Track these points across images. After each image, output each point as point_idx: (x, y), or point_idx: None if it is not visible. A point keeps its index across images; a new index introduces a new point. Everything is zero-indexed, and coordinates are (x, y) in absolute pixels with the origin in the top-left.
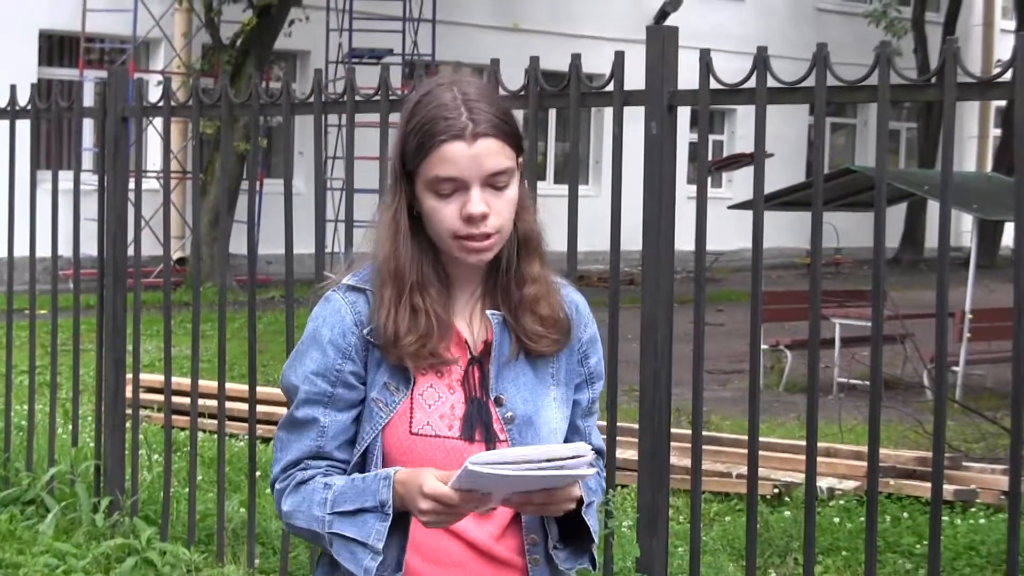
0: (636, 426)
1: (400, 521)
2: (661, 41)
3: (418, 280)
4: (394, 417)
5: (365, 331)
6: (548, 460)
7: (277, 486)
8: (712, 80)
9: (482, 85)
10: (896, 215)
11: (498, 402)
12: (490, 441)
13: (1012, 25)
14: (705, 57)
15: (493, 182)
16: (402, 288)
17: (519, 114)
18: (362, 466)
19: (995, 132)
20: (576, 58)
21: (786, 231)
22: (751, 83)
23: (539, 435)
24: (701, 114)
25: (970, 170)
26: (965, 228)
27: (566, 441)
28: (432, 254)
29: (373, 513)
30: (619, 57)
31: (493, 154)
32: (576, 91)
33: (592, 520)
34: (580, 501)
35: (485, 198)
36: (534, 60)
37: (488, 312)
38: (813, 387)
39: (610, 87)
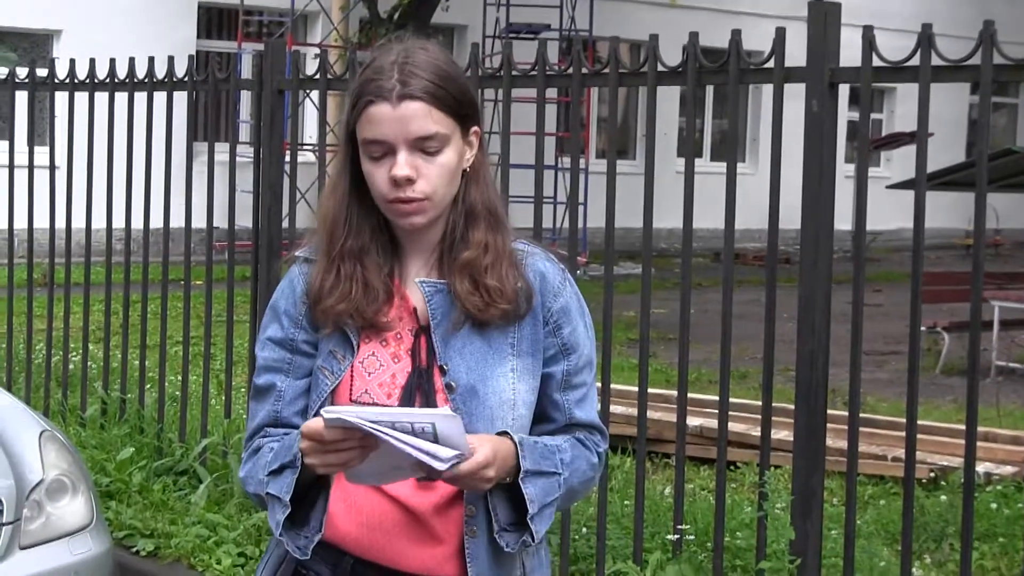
0: (790, 406)
1: (325, 484)
2: (823, 18)
3: (354, 245)
4: (339, 385)
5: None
6: (410, 421)
7: (243, 455)
8: (875, 58)
9: (434, 52)
10: None
11: (442, 371)
12: None
13: None
14: (868, 34)
15: (422, 146)
16: (332, 248)
17: (675, 91)
18: None
19: None
20: (736, 34)
21: (945, 211)
22: (914, 61)
23: (485, 405)
24: (863, 92)
25: None
26: None
27: (542, 415)
28: (377, 219)
29: (290, 468)
30: (780, 33)
31: (419, 117)
32: (735, 68)
33: (531, 488)
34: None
35: (413, 162)
36: (693, 36)
37: (417, 280)
38: (974, 370)
39: (770, 64)
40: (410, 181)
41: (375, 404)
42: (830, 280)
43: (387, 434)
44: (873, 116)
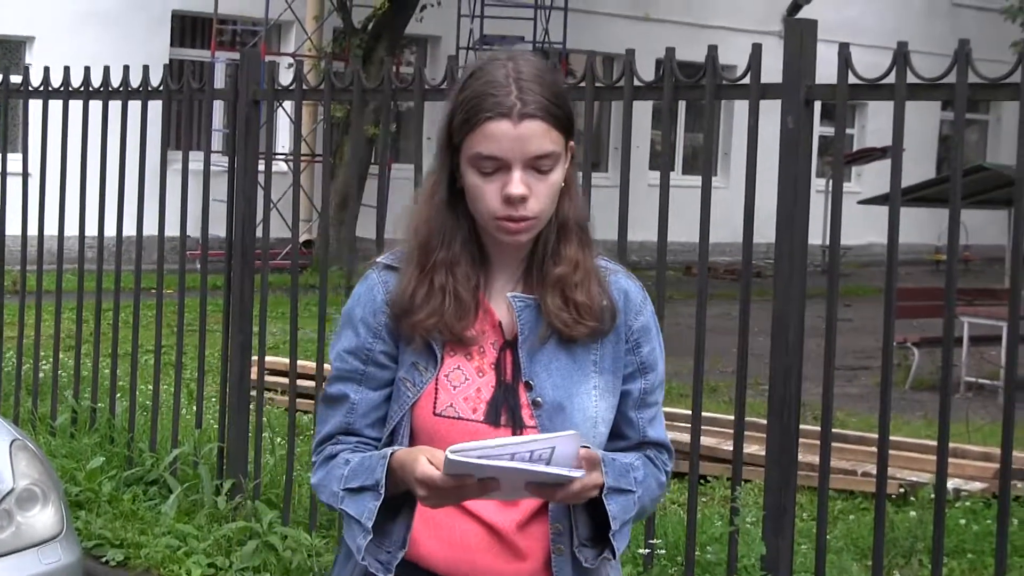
0: (761, 420)
1: (409, 498)
2: (799, 35)
3: (446, 257)
4: (421, 398)
5: (394, 307)
6: (530, 449)
7: (313, 459)
8: (850, 75)
9: (540, 64)
10: None
11: (528, 387)
12: (516, 426)
13: None
14: (844, 52)
15: (536, 165)
16: (426, 261)
17: (647, 106)
18: (391, 445)
19: None
20: (712, 50)
21: (915, 227)
22: (890, 79)
23: (571, 422)
24: (839, 109)
25: None
26: None
27: (615, 432)
28: (468, 230)
29: (371, 492)
30: (756, 50)
31: (538, 136)
32: (712, 83)
33: (613, 505)
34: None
35: (526, 180)
36: (670, 51)
37: (509, 295)
38: (946, 387)
39: (746, 80)
40: (523, 200)
41: (460, 419)
42: (804, 296)
43: (513, 467)
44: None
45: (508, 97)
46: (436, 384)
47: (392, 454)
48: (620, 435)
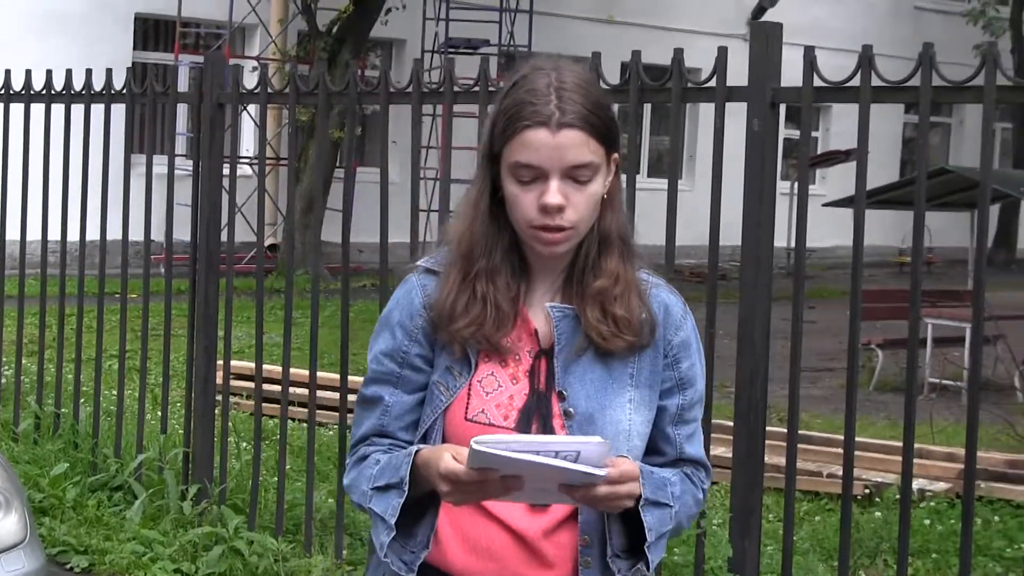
0: (727, 423)
1: (435, 498)
2: (765, 38)
3: (487, 266)
4: (454, 402)
5: (433, 313)
6: (555, 449)
7: (347, 460)
8: (815, 78)
9: (582, 75)
10: (989, 215)
11: (560, 397)
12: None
13: None
14: (810, 55)
15: (574, 175)
16: (468, 270)
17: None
18: None
19: None
20: (679, 53)
21: (878, 229)
22: (855, 81)
23: (601, 434)
24: (804, 112)
25: None
26: None
27: (652, 448)
28: (509, 240)
29: (395, 489)
30: (722, 53)
31: (576, 146)
32: (678, 86)
33: (650, 517)
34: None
35: (564, 190)
36: (636, 54)
37: (547, 305)
38: (911, 388)
39: (712, 83)
40: (560, 209)
41: (491, 425)
42: (770, 299)
43: (536, 461)
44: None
45: (548, 106)
46: (469, 389)
47: (417, 452)
48: (657, 451)
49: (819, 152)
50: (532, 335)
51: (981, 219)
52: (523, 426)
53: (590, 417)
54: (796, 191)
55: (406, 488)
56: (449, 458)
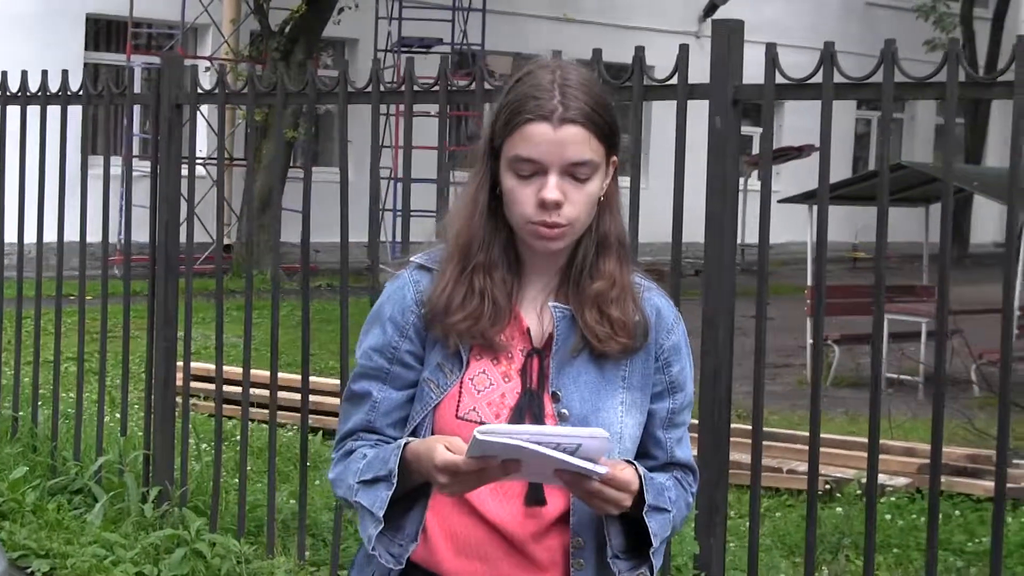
0: (692, 420)
1: (423, 491)
2: (727, 36)
3: (484, 261)
4: (444, 399)
5: (424, 310)
6: (557, 440)
7: (332, 455)
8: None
9: (585, 73)
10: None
11: (554, 398)
12: None
13: None
14: (771, 52)
15: (573, 172)
16: (466, 264)
17: None
18: None
19: None
20: (640, 51)
21: (832, 225)
22: (817, 78)
23: None
24: (766, 109)
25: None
26: None
27: (643, 452)
28: (506, 236)
29: (384, 482)
30: (683, 51)
31: (577, 143)
32: (639, 85)
33: (653, 523)
34: (642, 504)
35: (562, 186)
36: (597, 52)
37: (551, 304)
38: (877, 384)
39: (674, 80)
40: (558, 205)
41: (482, 423)
42: (733, 296)
43: (539, 451)
44: (761, 130)
45: (551, 101)
46: (460, 387)
47: (406, 445)
48: (647, 455)
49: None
50: (524, 333)
51: (944, 214)
52: (515, 423)
53: (583, 419)
54: (747, 188)
55: (395, 480)
56: (443, 450)
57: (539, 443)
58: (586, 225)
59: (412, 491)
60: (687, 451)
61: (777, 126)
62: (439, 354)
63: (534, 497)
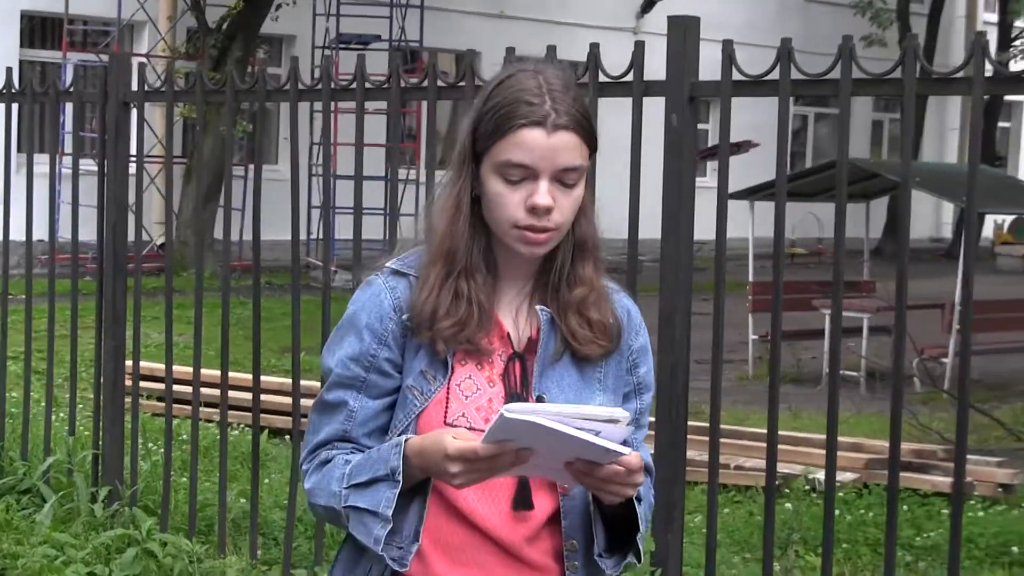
0: (650, 417)
1: (419, 491)
2: (683, 32)
3: (467, 265)
4: (429, 406)
5: (404, 316)
6: (583, 419)
7: (303, 467)
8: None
9: (566, 77)
10: (879, 206)
11: (540, 400)
12: None
13: (994, 17)
14: (728, 48)
15: (562, 177)
16: (451, 269)
17: None
18: None
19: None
20: (595, 47)
21: (768, 221)
22: (774, 75)
23: None
24: (724, 106)
25: (951, 161)
26: (946, 219)
27: None
28: (484, 240)
29: (385, 482)
30: (639, 47)
31: (569, 149)
32: (595, 82)
33: (641, 508)
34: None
35: (552, 192)
36: (551, 49)
37: (538, 307)
38: (834, 380)
39: (629, 77)
40: (548, 211)
41: (472, 429)
42: (690, 293)
43: (565, 432)
44: (700, 127)
45: (543, 106)
46: (447, 393)
47: (406, 442)
48: None
49: (709, 145)
50: (504, 338)
51: (902, 211)
52: None
53: None
54: (717, 184)
55: (400, 478)
56: (453, 440)
57: (564, 423)
58: (567, 229)
59: (407, 492)
60: (647, 452)
61: (715, 122)
62: (422, 361)
63: (522, 500)
